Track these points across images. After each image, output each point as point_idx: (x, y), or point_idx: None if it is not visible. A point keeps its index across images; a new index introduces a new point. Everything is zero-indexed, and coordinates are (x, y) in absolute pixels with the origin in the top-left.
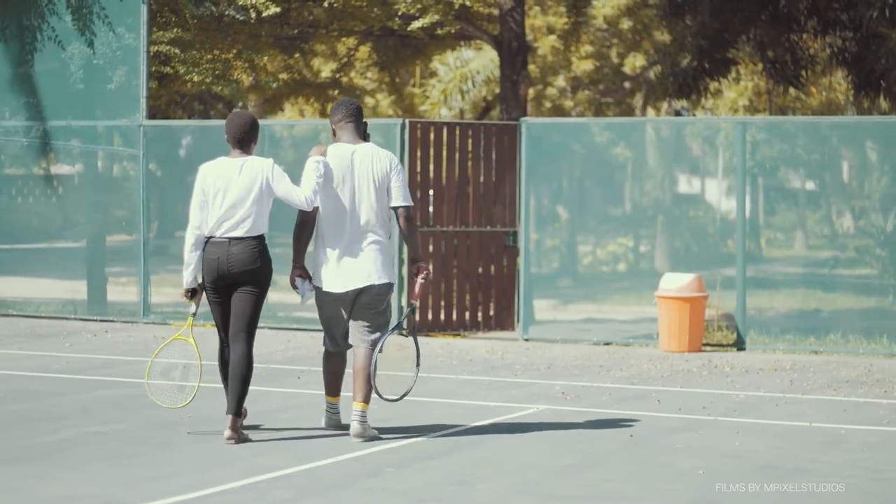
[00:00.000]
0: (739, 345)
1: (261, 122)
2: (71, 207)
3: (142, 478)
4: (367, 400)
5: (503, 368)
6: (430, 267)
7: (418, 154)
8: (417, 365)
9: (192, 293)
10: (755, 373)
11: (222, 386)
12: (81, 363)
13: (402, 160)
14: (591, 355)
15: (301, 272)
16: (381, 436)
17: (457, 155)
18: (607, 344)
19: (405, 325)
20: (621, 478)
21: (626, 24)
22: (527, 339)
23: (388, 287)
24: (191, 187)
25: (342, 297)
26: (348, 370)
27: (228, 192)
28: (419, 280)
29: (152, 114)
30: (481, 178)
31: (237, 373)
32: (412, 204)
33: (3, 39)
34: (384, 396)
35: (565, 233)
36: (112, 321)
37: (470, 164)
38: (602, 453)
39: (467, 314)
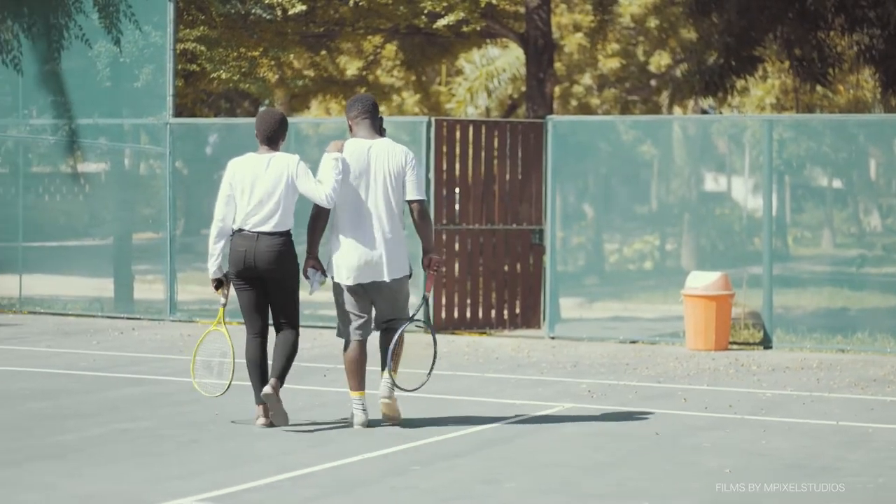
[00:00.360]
0: (766, 343)
1: (288, 120)
2: (98, 205)
3: (168, 475)
4: (396, 368)
5: (529, 367)
6: (449, 260)
7: (444, 152)
8: (434, 357)
9: (219, 284)
10: (782, 371)
11: (251, 383)
12: (108, 361)
13: (427, 158)
14: (618, 353)
15: (314, 263)
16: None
17: (483, 153)
18: (633, 342)
19: (419, 317)
20: (648, 476)
21: (652, 22)
22: (553, 338)
23: (404, 279)
24: (217, 185)
25: (357, 288)
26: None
27: (256, 188)
28: (431, 272)
29: (179, 112)
30: (507, 177)
31: (282, 350)
32: (426, 198)
33: (30, 38)
34: (400, 386)
35: (591, 231)
36: (139, 319)
37: (496, 162)
38: (628, 452)
39: (493, 312)
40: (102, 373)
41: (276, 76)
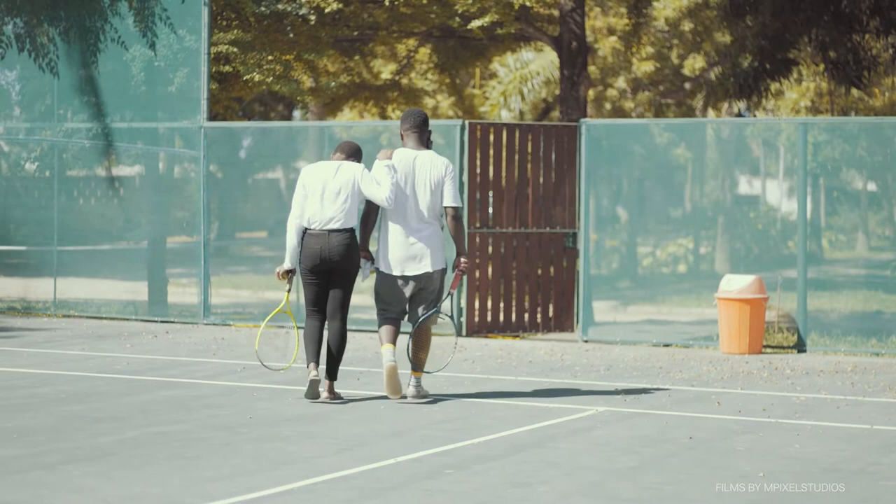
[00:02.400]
0: (800, 346)
1: (320, 124)
2: (132, 209)
3: (203, 478)
4: (420, 365)
5: (562, 370)
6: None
7: (478, 155)
8: (455, 346)
9: (289, 273)
10: (816, 375)
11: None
12: (142, 364)
13: (461, 161)
14: (651, 357)
15: (366, 254)
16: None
17: (516, 156)
18: (667, 345)
19: (442, 311)
20: (682, 480)
21: (687, 25)
22: (586, 341)
23: (441, 272)
24: (250, 188)
25: (399, 278)
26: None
27: (325, 191)
28: (458, 272)
29: (213, 116)
30: (541, 180)
31: (334, 345)
32: (461, 205)
33: (66, 41)
34: (425, 370)
35: (625, 234)
36: (172, 322)
37: (530, 165)
38: (662, 455)
39: (527, 315)
40: (136, 376)
41: (310, 80)
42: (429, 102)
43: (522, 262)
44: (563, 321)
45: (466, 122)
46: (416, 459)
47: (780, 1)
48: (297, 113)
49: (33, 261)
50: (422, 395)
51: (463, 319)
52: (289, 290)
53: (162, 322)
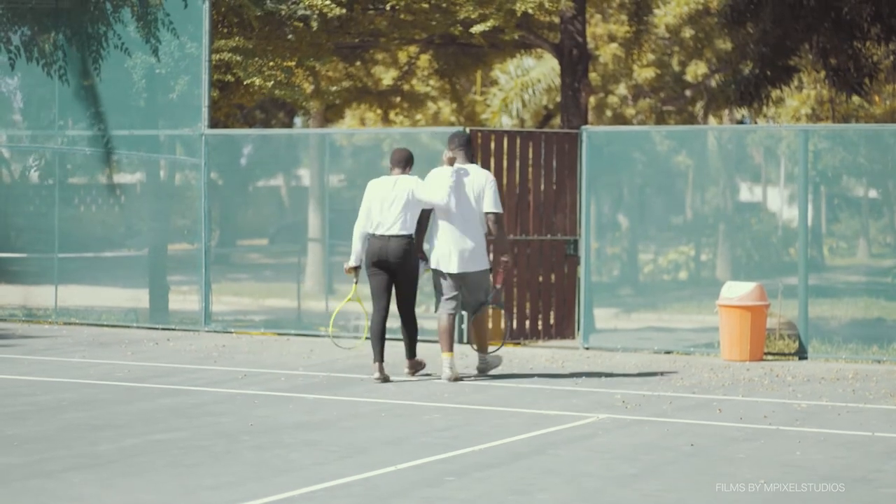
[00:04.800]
0: (801, 354)
1: (321, 131)
2: (133, 216)
3: (203, 486)
4: (483, 348)
5: (564, 377)
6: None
7: (479, 162)
8: (508, 328)
9: (354, 269)
10: (817, 382)
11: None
12: (143, 371)
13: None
14: (652, 364)
15: (420, 255)
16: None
17: (517, 163)
18: (668, 353)
19: (491, 301)
20: (683, 487)
21: (687, 32)
22: (587, 348)
23: (485, 271)
24: (251, 196)
25: (450, 275)
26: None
27: (385, 201)
28: (500, 269)
29: (213, 123)
30: (542, 187)
31: (407, 331)
32: (501, 211)
33: (69, 48)
34: (484, 352)
35: (626, 241)
36: (174, 329)
37: (530, 172)
38: (663, 462)
39: (528, 323)
40: (137, 383)
41: (312, 86)
42: (430, 109)
43: (523, 269)
44: (563, 328)
45: (468, 129)
46: (416, 467)
47: (780, 8)
48: (298, 120)
49: (34, 268)
50: (488, 368)
51: (465, 327)
52: (356, 282)
53: (163, 329)
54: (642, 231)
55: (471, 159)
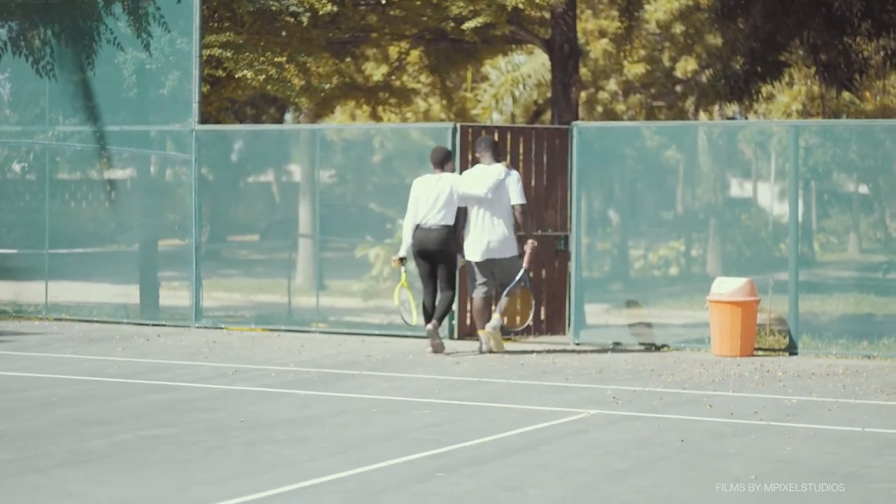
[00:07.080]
0: (792, 349)
1: (312, 127)
2: (124, 212)
3: (194, 482)
4: (504, 313)
5: (554, 373)
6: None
7: (469, 158)
8: (532, 307)
9: (402, 260)
10: (808, 377)
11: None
12: (134, 367)
13: (454, 164)
14: (643, 360)
15: (458, 248)
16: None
17: (508, 159)
18: (659, 348)
19: (521, 283)
20: (673, 483)
21: (678, 27)
22: (578, 344)
23: (515, 258)
24: (242, 191)
25: (483, 262)
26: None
27: (429, 197)
28: (529, 252)
29: (204, 119)
30: (532, 183)
31: (442, 304)
32: (525, 202)
33: (60, 44)
34: (509, 329)
35: (617, 237)
36: (164, 325)
37: (521, 168)
38: (654, 458)
39: (518, 318)
40: (128, 379)
41: (302, 82)
42: (420, 105)
43: None
44: (554, 324)
45: (458, 125)
46: (407, 462)
47: (771, 3)
48: (288, 116)
49: (25, 264)
50: (500, 339)
51: (455, 322)
52: (405, 270)
53: (153, 325)
54: (633, 227)
55: (496, 160)
